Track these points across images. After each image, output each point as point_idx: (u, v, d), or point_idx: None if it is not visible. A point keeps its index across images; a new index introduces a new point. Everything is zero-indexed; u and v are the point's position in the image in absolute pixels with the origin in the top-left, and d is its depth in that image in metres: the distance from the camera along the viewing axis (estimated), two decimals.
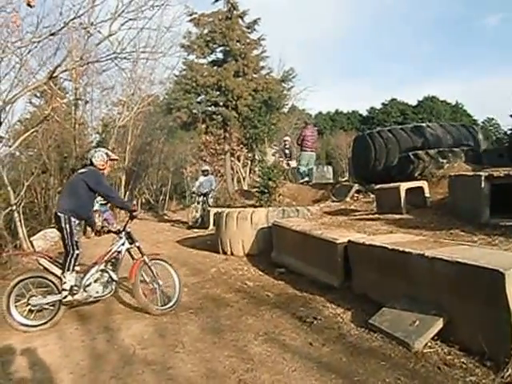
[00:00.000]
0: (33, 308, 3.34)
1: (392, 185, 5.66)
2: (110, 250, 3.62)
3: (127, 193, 12.61)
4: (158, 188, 15.58)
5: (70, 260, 3.43)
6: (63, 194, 3.85)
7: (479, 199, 4.15)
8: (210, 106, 13.39)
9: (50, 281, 3.42)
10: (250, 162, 16.38)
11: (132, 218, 3.71)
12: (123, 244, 3.65)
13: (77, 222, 3.54)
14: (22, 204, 8.94)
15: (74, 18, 6.70)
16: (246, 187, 14.39)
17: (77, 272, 3.50)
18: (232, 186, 14.38)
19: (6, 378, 2.59)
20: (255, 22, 13.70)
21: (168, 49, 10.59)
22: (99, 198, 8.86)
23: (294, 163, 10.95)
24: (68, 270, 3.41)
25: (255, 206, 7.83)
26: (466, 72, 61.51)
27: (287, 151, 11.18)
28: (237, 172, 16.85)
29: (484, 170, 4.66)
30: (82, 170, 3.73)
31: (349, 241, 3.54)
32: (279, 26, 46.45)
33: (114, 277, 3.57)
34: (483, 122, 37.88)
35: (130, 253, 3.69)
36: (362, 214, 5.92)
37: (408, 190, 5.43)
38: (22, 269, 5.89)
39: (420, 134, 7.01)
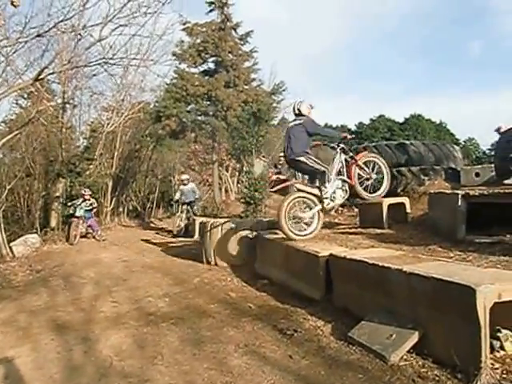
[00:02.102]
0: (305, 221, 4.29)
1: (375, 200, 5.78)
2: (335, 165, 4.65)
3: (113, 199, 12.45)
4: (146, 195, 15.42)
5: (327, 175, 4.45)
6: (290, 142, 4.52)
7: (456, 216, 4.29)
8: (200, 115, 13.50)
9: (307, 198, 4.35)
10: (237, 173, 16.45)
11: (347, 152, 4.79)
12: (340, 155, 4.71)
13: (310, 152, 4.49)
14: (3, 208, 8.73)
15: (63, 20, 6.67)
16: (233, 197, 14.41)
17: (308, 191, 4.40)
18: (219, 196, 14.38)
19: None
20: (248, 34, 13.96)
21: (160, 56, 10.67)
22: (83, 205, 8.80)
23: (283, 177, 11.23)
24: (328, 181, 4.44)
25: (241, 217, 7.86)
26: (450, 92, 63.63)
27: (279, 166, 11.46)
28: (225, 182, 16.88)
29: (461, 188, 4.83)
30: (298, 122, 4.54)
31: (330, 254, 3.60)
32: (271, 39, 47.24)
33: (346, 179, 4.66)
34: (464, 142, 39.06)
35: (349, 159, 4.77)
36: (345, 228, 6.02)
37: (390, 206, 5.57)
38: (0, 274, 5.74)
39: (404, 151, 7.22)
